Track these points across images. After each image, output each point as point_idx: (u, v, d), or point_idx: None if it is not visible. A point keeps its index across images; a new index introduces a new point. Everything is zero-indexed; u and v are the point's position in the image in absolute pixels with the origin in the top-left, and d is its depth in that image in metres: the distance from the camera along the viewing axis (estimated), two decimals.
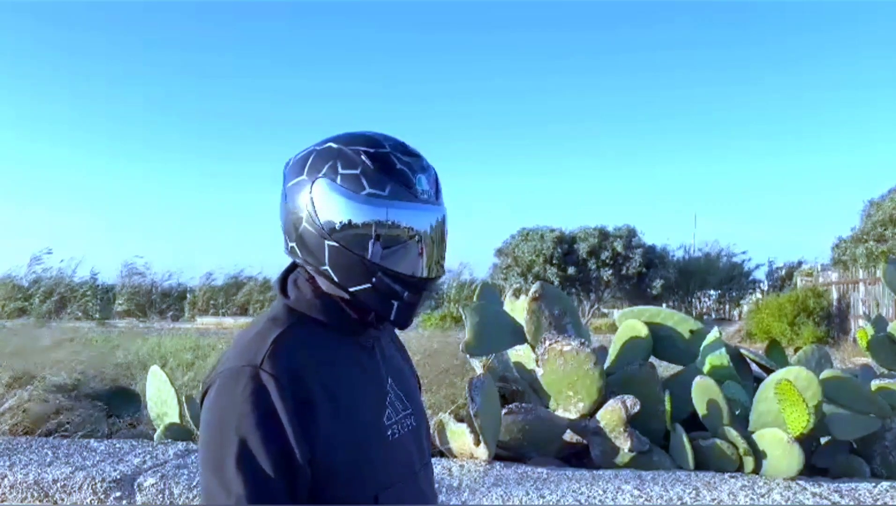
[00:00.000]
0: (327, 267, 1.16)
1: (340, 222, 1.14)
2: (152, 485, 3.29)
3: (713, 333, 4.21)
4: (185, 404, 4.35)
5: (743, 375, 4.24)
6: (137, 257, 24.75)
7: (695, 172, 43.78)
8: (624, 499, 3.05)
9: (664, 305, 20.58)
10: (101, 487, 3.33)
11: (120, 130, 44.87)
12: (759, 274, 25.52)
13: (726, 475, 3.37)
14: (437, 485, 3.12)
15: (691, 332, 4.29)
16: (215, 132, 45.29)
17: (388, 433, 1.21)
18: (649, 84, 43.23)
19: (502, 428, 3.68)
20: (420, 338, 7.83)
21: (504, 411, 3.74)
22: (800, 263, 23.71)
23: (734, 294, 25.26)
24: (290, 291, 1.24)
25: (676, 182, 43.84)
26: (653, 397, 3.77)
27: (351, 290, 1.16)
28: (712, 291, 25.53)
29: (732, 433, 3.51)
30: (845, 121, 41.96)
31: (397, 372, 1.32)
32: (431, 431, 3.82)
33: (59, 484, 3.36)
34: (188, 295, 25.31)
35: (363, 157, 1.14)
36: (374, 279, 1.14)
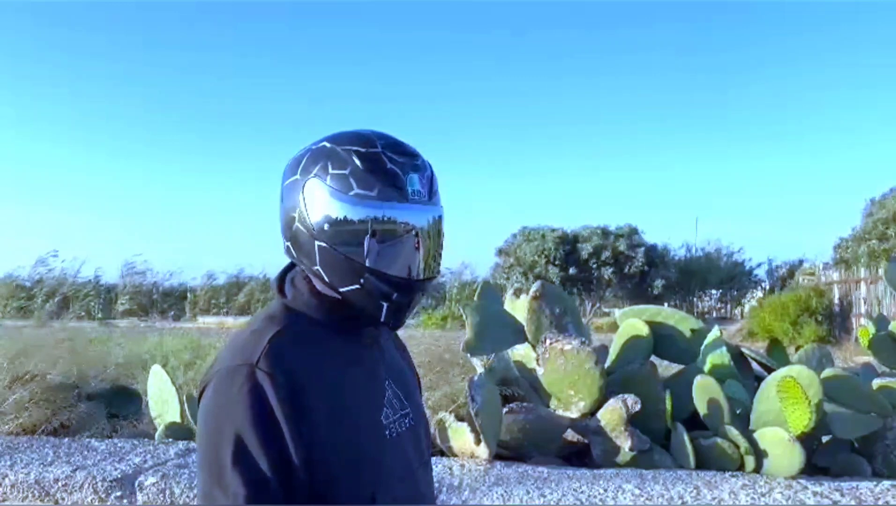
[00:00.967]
0: (318, 267, 1.16)
1: (329, 223, 1.13)
2: (153, 484, 3.29)
3: (714, 333, 4.20)
4: (185, 404, 4.35)
5: (744, 375, 4.23)
6: (137, 256, 24.79)
7: (696, 171, 43.78)
8: (625, 498, 3.04)
9: (666, 304, 20.54)
10: (102, 486, 3.33)
11: (122, 129, 45.07)
12: (760, 272, 25.55)
13: (727, 474, 3.37)
14: (437, 484, 3.13)
15: (692, 331, 4.28)
16: (217, 132, 45.37)
17: (386, 432, 1.21)
18: (651, 84, 43.27)
19: (503, 427, 3.68)
20: (421, 337, 7.83)
21: (505, 410, 3.74)
22: (801, 262, 23.70)
23: (735, 293, 25.25)
24: (287, 290, 1.24)
25: (678, 181, 43.83)
26: (654, 396, 3.77)
27: (341, 290, 1.17)
28: (714, 291, 25.52)
29: (733, 432, 3.50)
30: (846, 120, 41.98)
31: (396, 371, 1.32)
32: (432, 430, 3.82)
33: (60, 483, 3.37)
34: (189, 295, 25.34)
35: (353, 157, 1.13)
36: (362, 280, 1.14)
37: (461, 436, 3.66)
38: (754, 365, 4.49)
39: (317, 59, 45.20)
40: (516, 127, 45.37)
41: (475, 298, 4.49)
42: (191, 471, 3.37)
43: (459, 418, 3.76)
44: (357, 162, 1.13)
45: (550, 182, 44.50)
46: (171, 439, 4.05)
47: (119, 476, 3.36)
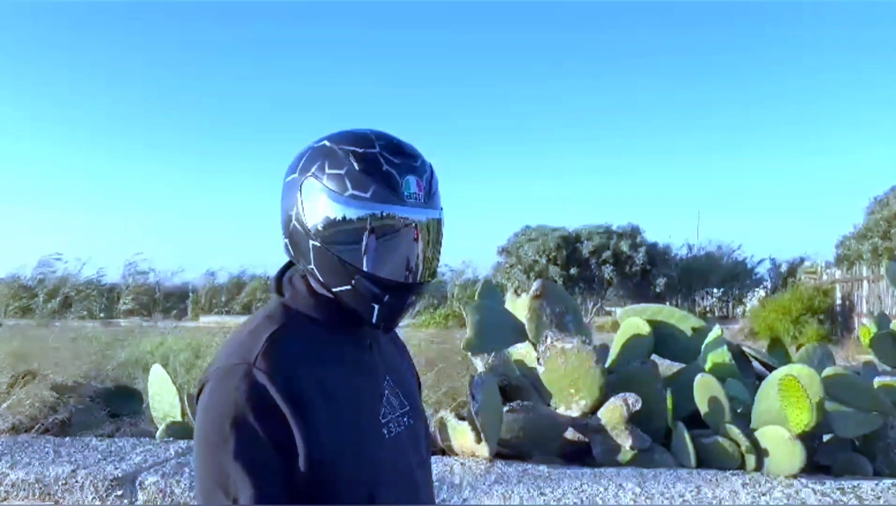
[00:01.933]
0: (313, 266, 1.16)
1: (322, 223, 1.13)
2: (153, 483, 3.29)
3: (715, 331, 4.20)
4: (186, 403, 4.36)
5: (745, 373, 4.23)
6: (138, 255, 24.80)
7: (698, 169, 43.76)
8: (625, 497, 3.04)
9: (667, 303, 20.55)
10: (103, 485, 3.33)
11: (124, 129, 45.02)
12: (762, 270, 25.51)
13: (728, 473, 3.36)
14: (438, 483, 3.13)
15: (693, 330, 4.28)
16: (218, 131, 45.34)
17: (384, 431, 1.20)
18: (653, 84, 43.23)
19: (503, 426, 3.68)
20: (422, 336, 7.83)
21: (505, 409, 3.74)
22: (802, 260, 23.67)
23: (737, 292, 25.23)
24: (285, 289, 1.23)
25: (680, 180, 43.80)
26: (654, 395, 3.77)
27: (334, 290, 1.16)
28: (715, 290, 25.50)
29: (734, 431, 3.50)
30: (848, 118, 41.93)
31: (394, 370, 1.32)
32: (433, 429, 3.82)
33: (60, 482, 3.37)
34: (191, 294, 25.36)
35: (350, 157, 1.12)
36: (353, 281, 1.14)
37: (462, 435, 3.66)
38: (755, 364, 4.49)
39: (320, 59, 45.28)
40: (520, 126, 45.38)
41: (476, 297, 4.49)
42: (191, 470, 3.38)
43: (460, 417, 3.76)
44: (353, 162, 1.12)
45: (554, 182, 44.60)
46: (171, 439, 4.06)
47: (120, 475, 3.36)
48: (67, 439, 4.12)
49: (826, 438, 3.81)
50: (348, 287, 1.15)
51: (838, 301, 15.71)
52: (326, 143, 1.17)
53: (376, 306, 1.16)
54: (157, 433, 4.20)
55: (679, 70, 42.49)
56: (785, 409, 3.35)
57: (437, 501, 2.66)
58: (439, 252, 1.21)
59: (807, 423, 3.28)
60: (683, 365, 4.30)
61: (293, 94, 44.60)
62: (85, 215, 42.87)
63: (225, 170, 46.20)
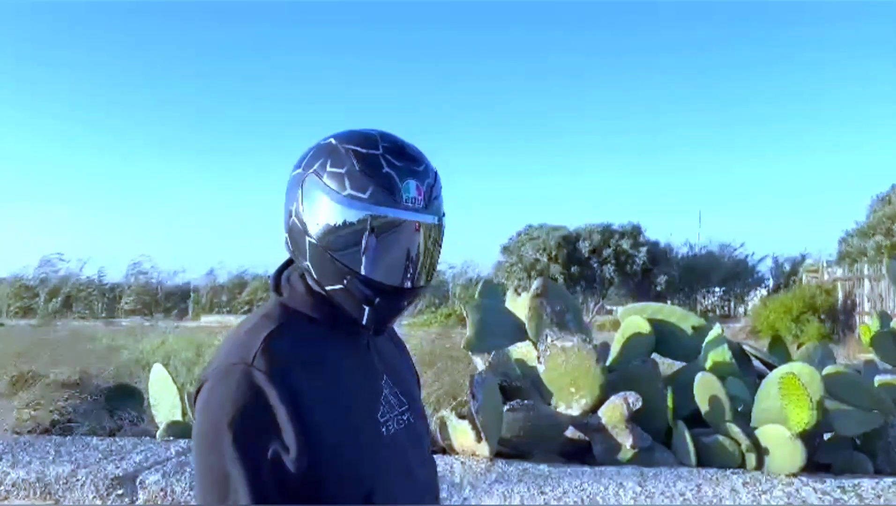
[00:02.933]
0: (308, 263, 1.16)
1: (318, 220, 1.13)
2: (154, 483, 3.30)
3: (715, 330, 4.20)
4: (187, 402, 4.36)
5: (745, 372, 4.22)
6: (144, 256, 24.84)
7: (699, 168, 43.72)
8: (626, 496, 3.04)
9: (669, 302, 20.55)
10: (104, 484, 3.34)
11: (126, 129, 45.02)
12: (763, 268, 25.51)
13: (728, 472, 3.36)
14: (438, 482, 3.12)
15: (694, 328, 4.28)
16: (220, 131, 45.32)
17: (383, 430, 1.20)
18: (654, 82, 43.20)
19: (504, 425, 3.68)
20: (423, 335, 7.84)
21: (506, 407, 3.74)
22: (804, 258, 23.66)
23: (738, 291, 25.22)
24: (283, 288, 1.23)
25: (681, 179, 43.76)
26: (655, 394, 3.76)
27: (326, 289, 1.16)
28: (717, 288, 25.49)
29: (735, 430, 3.50)
30: (849, 116, 41.89)
31: (393, 369, 1.31)
32: (434, 428, 3.82)
33: (61, 482, 3.38)
34: (193, 294, 25.38)
35: (352, 156, 1.12)
36: (345, 281, 1.14)
37: (462, 434, 3.66)
38: (756, 363, 4.48)
39: (322, 58, 45.21)
40: (522, 125, 45.37)
41: (476, 297, 4.49)
42: (192, 470, 3.37)
43: (461, 416, 3.76)
44: (354, 162, 1.11)
45: (556, 181, 44.55)
46: (172, 438, 4.06)
47: (120, 475, 3.36)
48: (68, 438, 4.13)
49: (827, 436, 3.80)
50: (340, 287, 1.14)
51: (840, 300, 15.69)
52: (332, 140, 1.16)
53: (367, 308, 1.15)
54: (158, 433, 4.20)
55: (680, 68, 42.50)
56: (785, 408, 3.35)
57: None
58: (436, 259, 1.20)
59: (807, 422, 3.28)
60: (684, 364, 4.30)
61: (295, 93, 44.62)
62: (86, 215, 42.99)
63: (225, 170, 46.29)
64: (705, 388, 3.63)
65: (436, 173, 1.19)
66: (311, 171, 1.14)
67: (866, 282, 14.96)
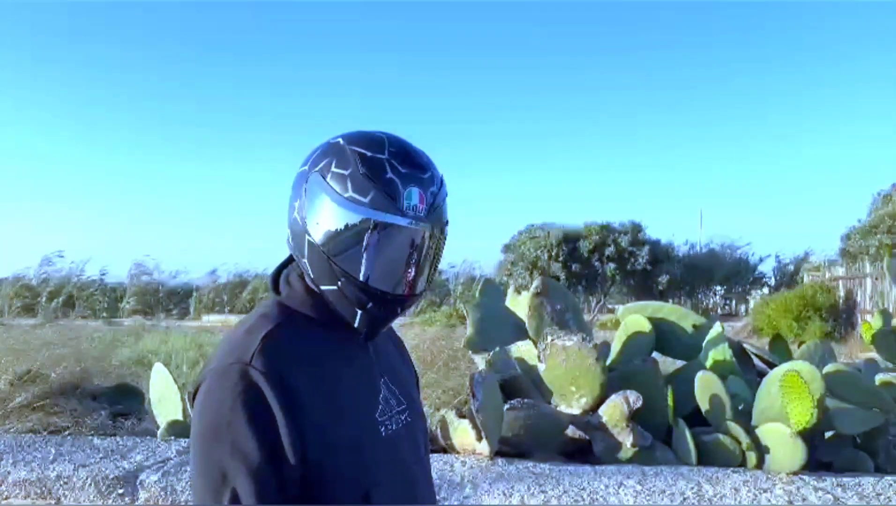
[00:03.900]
0: (306, 261, 1.16)
1: (318, 220, 1.13)
2: (155, 482, 3.30)
3: (716, 329, 4.20)
4: (188, 402, 4.35)
5: (746, 371, 4.22)
6: (147, 256, 24.84)
7: (701, 166, 43.68)
8: (626, 494, 3.04)
9: (670, 301, 20.55)
10: (104, 484, 3.34)
11: (126, 127, 45.05)
12: (765, 267, 25.48)
13: (729, 470, 3.36)
14: (438, 481, 3.13)
15: (694, 327, 4.28)
16: (222, 130, 45.32)
17: (381, 429, 1.20)
18: (655, 80, 43.19)
19: (504, 424, 3.68)
20: (424, 334, 7.84)
21: (506, 406, 3.74)
22: (807, 256, 23.63)
23: (740, 290, 25.20)
24: (282, 288, 1.23)
25: (682, 177, 43.72)
26: (655, 393, 3.76)
27: (322, 288, 1.16)
28: (718, 287, 25.46)
29: (735, 428, 3.50)
30: (851, 113, 41.85)
31: (391, 368, 1.31)
32: (434, 427, 3.82)
33: (62, 481, 3.38)
34: (194, 293, 25.39)
35: (357, 159, 1.11)
36: (339, 282, 1.14)
37: (463, 433, 3.66)
38: (756, 361, 4.48)
39: (324, 56, 45.23)
40: (523, 125, 45.33)
41: (477, 296, 4.49)
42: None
43: (461, 415, 3.76)
44: (359, 165, 1.11)
45: (557, 179, 44.51)
46: (172, 437, 4.06)
47: (121, 474, 3.37)
48: (69, 437, 4.13)
49: (827, 435, 3.80)
50: (334, 287, 1.14)
51: (841, 299, 15.67)
52: (340, 140, 1.16)
53: (359, 312, 1.15)
54: (159, 432, 4.21)
55: (680, 66, 42.43)
56: (786, 406, 3.35)
57: (437, 499, 2.66)
58: (434, 268, 1.19)
59: (807, 420, 3.28)
60: (684, 362, 4.30)
61: (299, 93, 44.61)
62: (88, 213, 42.94)
63: (226, 169, 46.25)
64: (706, 386, 3.63)
65: (441, 182, 1.18)
66: (317, 169, 1.14)
67: (868, 280, 14.95)
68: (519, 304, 4.30)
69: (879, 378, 4.01)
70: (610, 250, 22.91)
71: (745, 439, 3.46)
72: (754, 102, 42.62)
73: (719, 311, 24.34)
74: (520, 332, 4.15)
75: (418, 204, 1.11)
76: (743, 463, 3.50)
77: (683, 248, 25.63)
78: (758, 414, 3.61)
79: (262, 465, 1.04)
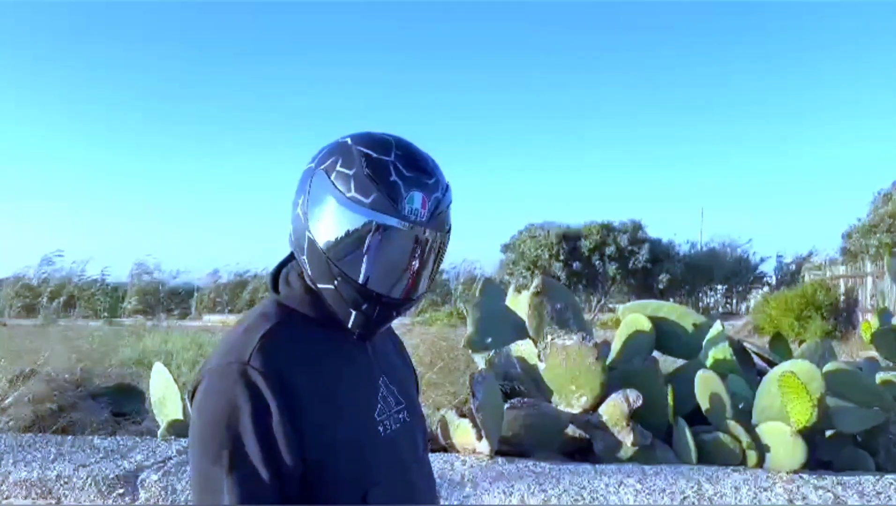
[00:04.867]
0: (305, 258, 1.16)
1: (319, 217, 1.13)
2: (155, 482, 3.30)
3: (716, 327, 4.19)
4: (188, 401, 4.35)
5: (746, 369, 4.22)
6: (148, 256, 24.85)
7: (702, 165, 43.66)
8: (626, 493, 3.04)
9: (671, 299, 20.52)
10: (105, 484, 3.34)
11: (127, 127, 45.02)
12: (766, 267, 25.48)
13: (729, 469, 3.36)
14: (438, 480, 3.12)
15: (694, 326, 4.27)
16: (222, 130, 45.32)
17: (380, 429, 1.20)
18: (655, 79, 43.15)
19: (504, 423, 3.68)
20: (424, 334, 7.83)
21: (506, 405, 3.74)
22: (809, 254, 23.63)
23: (740, 289, 25.20)
24: (281, 287, 1.23)
25: (683, 176, 43.70)
26: (656, 392, 3.76)
27: (318, 286, 1.16)
28: (719, 286, 25.46)
29: (736, 427, 3.49)
30: (852, 112, 41.84)
31: (390, 368, 1.31)
32: (434, 426, 3.82)
33: (62, 481, 3.38)
34: (195, 293, 25.41)
35: (362, 159, 1.11)
36: (336, 282, 1.14)
37: (463, 432, 3.66)
38: (757, 360, 4.48)
39: (325, 56, 45.21)
40: (523, 124, 45.32)
41: (477, 295, 4.49)
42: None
43: (461, 414, 3.76)
44: (364, 165, 1.11)
45: (558, 178, 44.52)
46: (173, 437, 4.06)
47: (121, 474, 3.36)
48: (69, 437, 4.12)
49: (828, 433, 3.80)
50: (331, 286, 1.14)
51: (842, 298, 15.67)
52: (348, 140, 1.16)
53: (353, 312, 1.15)
54: (159, 432, 4.21)
55: (683, 65, 42.41)
56: (786, 405, 3.35)
57: (437, 497, 2.66)
58: (432, 272, 1.19)
59: (808, 419, 3.27)
60: (685, 361, 4.30)
61: (300, 94, 44.59)
62: (89, 213, 42.98)
63: (227, 169, 46.26)
64: (706, 385, 3.63)
65: (447, 188, 1.17)
66: (322, 167, 1.15)
67: (869, 279, 14.95)
68: (519, 303, 4.30)
69: (880, 377, 4.01)
70: (610, 249, 22.91)
71: (745, 438, 3.46)
72: (755, 101, 42.62)
73: (720, 309, 24.35)
74: (520, 331, 4.14)
75: (420, 208, 1.11)
76: (743, 462, 3.50)
77: (684, 247, 25.67)
78: (758, 413, 3.61)
79: (261, 464, 1.04)
